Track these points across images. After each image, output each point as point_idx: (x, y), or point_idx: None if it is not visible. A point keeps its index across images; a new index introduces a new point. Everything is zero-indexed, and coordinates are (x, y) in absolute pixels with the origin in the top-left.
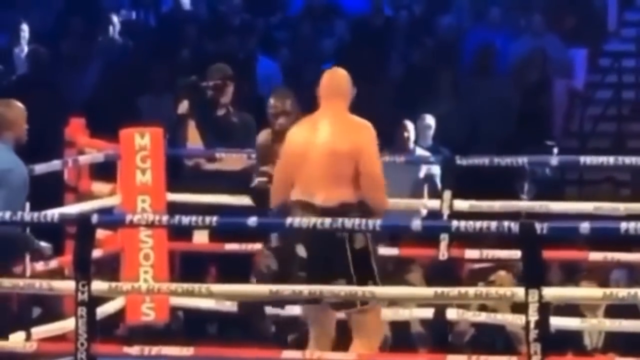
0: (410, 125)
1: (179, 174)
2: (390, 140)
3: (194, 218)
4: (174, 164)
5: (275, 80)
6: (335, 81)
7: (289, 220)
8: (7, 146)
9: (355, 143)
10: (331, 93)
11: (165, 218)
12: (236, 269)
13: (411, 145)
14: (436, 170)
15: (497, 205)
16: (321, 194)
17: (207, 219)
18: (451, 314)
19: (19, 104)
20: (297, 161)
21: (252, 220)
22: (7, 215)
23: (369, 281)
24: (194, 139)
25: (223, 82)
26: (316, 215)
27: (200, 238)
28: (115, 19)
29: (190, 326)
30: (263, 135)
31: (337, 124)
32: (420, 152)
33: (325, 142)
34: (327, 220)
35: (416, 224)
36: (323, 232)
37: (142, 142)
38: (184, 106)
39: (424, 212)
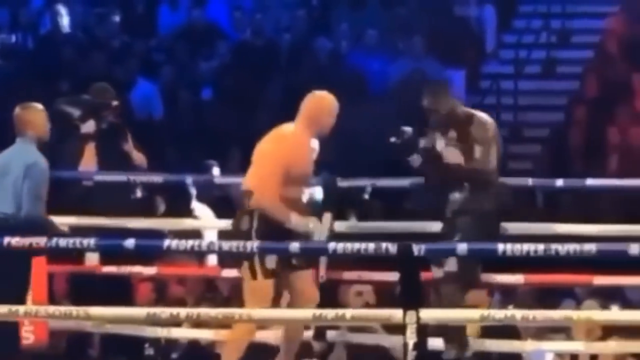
0: None
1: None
2: None
3: (71, 240)
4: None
5: (154, 102)
6: (304, 102)
7: (166, 242)
8: (29, 143)
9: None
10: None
11: (43, 241)
12: (119, 290)
13: None
14: (319, 192)
15: (377, 226)
16: None
17: (85, 242)
18: (331, 335)
19: (38, 106)
20: None
21: (130, 242)
22: None
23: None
24: (89, 161)
25: (117, 102)
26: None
27: (92, 259)
28: None
29: (72, 349)
30: None
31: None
32: None
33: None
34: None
35: (294, 245)
36: None
37: None
38: (89, 126)
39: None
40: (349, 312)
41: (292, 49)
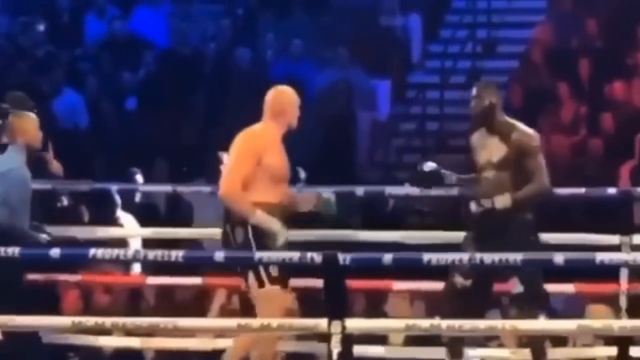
0: (225, 157)
1: None
2: (200, 170)
3: None
4: None
5: (79, 111)
6: (266, 99)
7: (92, 251)
8: (15, 150)
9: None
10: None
11: None
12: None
13: None
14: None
15: (301, 234)
16: None
17: (10, 251)
18: None
19: (30, 114)
20: None
21: (55, 252)
22: None
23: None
24: None
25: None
26: None
27: None
28: None
29: None
30: None
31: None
32: None
33: None
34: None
35: (219, 254)
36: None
37: None
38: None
39: None
40: (274, 322)
41: (218, 58)
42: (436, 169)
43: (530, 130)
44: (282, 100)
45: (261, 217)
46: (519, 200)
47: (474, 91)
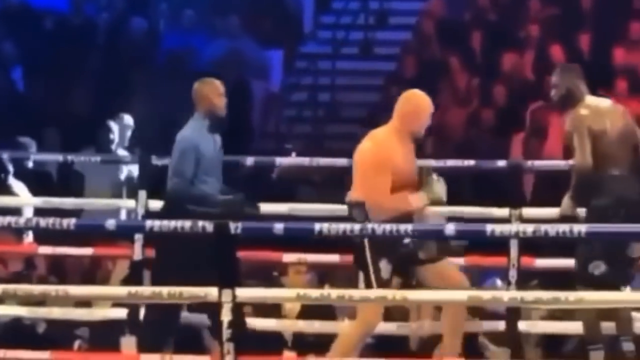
0: (114, 126)
1: None
2: (91, 140)
3: None
4: None
5: None
6: (401, 101)
7: None
8: (196, 118)
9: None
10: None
11: None
12: None
13: (114, 146)
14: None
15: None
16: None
17: None
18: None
19: (213, 81)
20: None
21: None
22: None
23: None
24: None
25: None
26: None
27: None
28: None
29: None
30: None
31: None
32: (121, 152)
33: None
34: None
35: (110, 223)
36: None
37: None
38: None
39: (124, 212)
40: (165, 290)
41: (110, 28)
42: None
43: (576, 113)
44: (412, 104)
45: (416, 200)
46: (573, 198)
47: (553, 79)
